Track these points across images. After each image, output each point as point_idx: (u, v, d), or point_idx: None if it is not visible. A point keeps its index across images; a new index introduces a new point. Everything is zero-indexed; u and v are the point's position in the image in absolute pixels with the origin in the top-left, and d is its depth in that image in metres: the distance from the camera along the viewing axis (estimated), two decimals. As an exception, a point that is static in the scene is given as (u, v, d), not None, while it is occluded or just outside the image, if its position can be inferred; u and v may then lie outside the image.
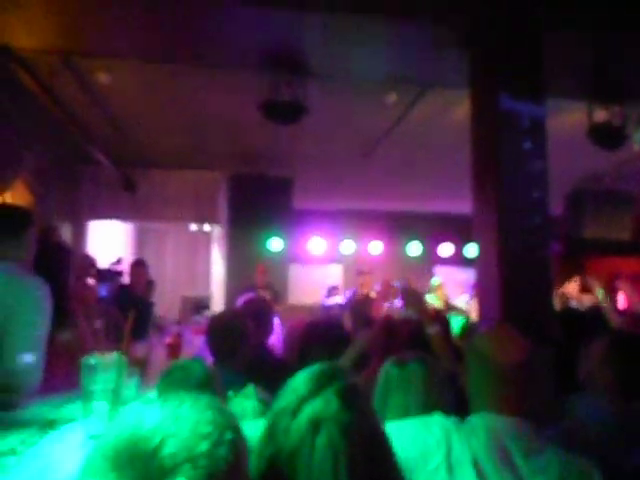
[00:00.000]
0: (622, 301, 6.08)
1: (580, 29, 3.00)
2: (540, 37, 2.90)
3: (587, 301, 5.28)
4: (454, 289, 7.00)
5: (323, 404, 0.79)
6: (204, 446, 0.66)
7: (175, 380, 1.46)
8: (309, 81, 3.38)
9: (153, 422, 0.68)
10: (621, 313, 4.20)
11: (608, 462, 1.32)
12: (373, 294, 6.01)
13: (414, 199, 7.63)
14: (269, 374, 1.69)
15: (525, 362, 1.34)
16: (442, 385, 1.53)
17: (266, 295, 6.12)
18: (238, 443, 0.71)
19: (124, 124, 5.02)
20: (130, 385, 1.46)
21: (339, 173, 6.47)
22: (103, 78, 3.96)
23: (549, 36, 2.90)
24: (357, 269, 6.86)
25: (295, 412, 0.79)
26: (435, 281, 6.99)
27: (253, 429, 1.21)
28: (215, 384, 1.49)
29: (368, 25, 2.93)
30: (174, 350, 3.14)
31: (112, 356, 1.33)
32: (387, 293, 6.14)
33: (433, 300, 6.66)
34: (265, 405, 1.53)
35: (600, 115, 3.88)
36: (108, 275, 4.86)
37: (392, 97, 4.24)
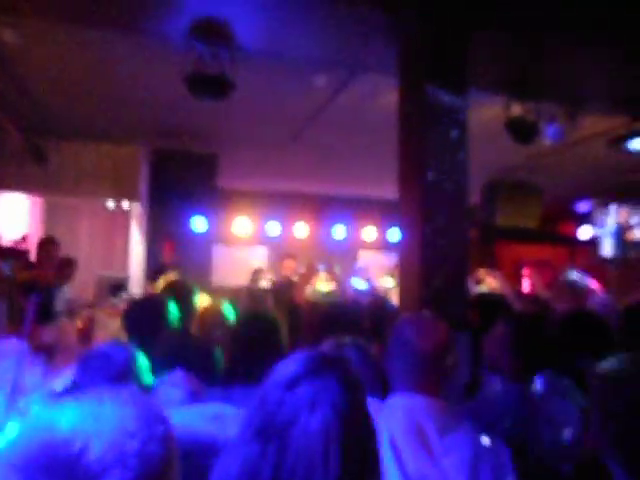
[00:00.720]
0: (527, 286, 6.57)
1: (504, 29, 3.12)
2: (467, 34, 2.99)
3: (495, 286, 5.64)
4: (377, 272, 7.16)
5: (323, 386, 0.80)
6: (133, 445, 0.61)
7: (95, 369, 1.39)
8: (237, 56, 3.27)
9: (71, 423, 0.61)
10: (526, 298, 4.53)
11: (512, 439, 1.41)
12: (296, 278, 6.04)
13: (341, 183, 7.71)
14: (194, 360, 1.65)
15: (444, 345, 1.41)
16: (372, 368, 1.59)
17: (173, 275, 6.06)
18: (169, 437, 0.67)
19: (35, 90, 4.63)
20: (33, 374, 1.35)
21: (266, 153, 6.39)
22: (9, 36, 3.59)
23: (475, 34, 3.01)
24: (281, 252, 6.87)
25: (291, 386, 0.80)
26: (360, 264, 7.13)
27: (182, 417, 1.16)
28: (140, 372, 1.43)
29: (300, 3, 2.87)
30: (86, 334, 3.00)
31: (11, 342, 1.22)
32: (311, 277, 6.23)
33: (357, 283, 6.83)
34: (193, 392, 1.49)
35: (516, 110, 4.09)
36: (12, 253, 4.50)
37: (322, 79, 4.22)
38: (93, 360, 1.40)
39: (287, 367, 0.85)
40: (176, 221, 6.64)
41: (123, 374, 1.34)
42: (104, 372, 1.33)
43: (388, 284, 7.00)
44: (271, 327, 1.82)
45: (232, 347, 1.75)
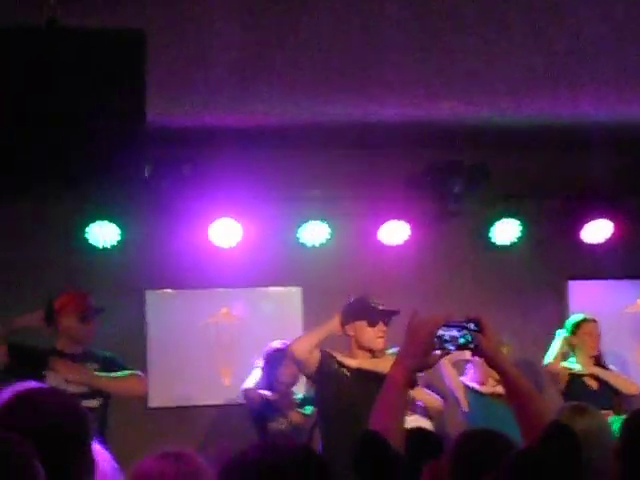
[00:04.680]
0: None
1: None
2: None
3: None
4: (622, 337, 8.01)
5: None
6: None
7: None
8: None
9: None
10: None
11: None
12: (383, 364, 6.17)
13: (489, 93, 7.60)
14: None
15: None
16: None
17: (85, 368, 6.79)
18: None
19: None
20: None
21: (266, 26, 6.08)
22: None
23: None
24: (358, 298, 6.87)
25: None
26: (575, 320, 7.81)
27: None
28: None
29: None
30: None
31: None
32: (429, 361, 6.15)
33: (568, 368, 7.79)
34: None
35: None
36: None
37: None
38: None
39: None
40: (44, 226, 7.53)
41: None
42: None
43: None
44: None
45: None
